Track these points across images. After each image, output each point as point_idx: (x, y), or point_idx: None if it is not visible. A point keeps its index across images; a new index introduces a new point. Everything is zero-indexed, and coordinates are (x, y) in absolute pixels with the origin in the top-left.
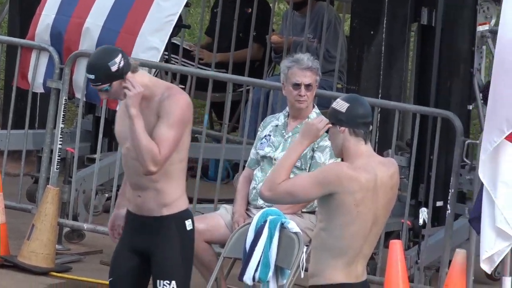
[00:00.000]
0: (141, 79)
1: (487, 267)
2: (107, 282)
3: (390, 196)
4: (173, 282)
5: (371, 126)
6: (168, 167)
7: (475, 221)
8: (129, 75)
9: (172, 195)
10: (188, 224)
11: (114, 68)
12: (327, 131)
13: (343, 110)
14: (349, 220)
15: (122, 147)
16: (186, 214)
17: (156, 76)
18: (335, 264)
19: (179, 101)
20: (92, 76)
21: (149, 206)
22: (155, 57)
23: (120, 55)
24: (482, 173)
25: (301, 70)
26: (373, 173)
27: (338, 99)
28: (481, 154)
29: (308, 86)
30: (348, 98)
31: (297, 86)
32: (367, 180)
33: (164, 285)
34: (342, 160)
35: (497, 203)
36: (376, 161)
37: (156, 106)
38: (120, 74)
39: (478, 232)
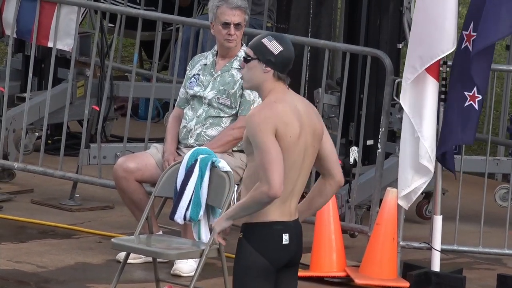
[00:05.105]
0: None
1: (404, 204)
2: (38, 221)
3: (315, 120)
4: None
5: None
6: None
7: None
8: None
9: None
10: None
11: None
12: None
13: (276, 53)
14: (288, 153)
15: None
16: None
17: (84, 15)
18: None
19: None
20: None
21: None
22: None
23: None
24: (406, 106)
25: (230, 9)
26: (290, 102)
27: (270, 37)
28: (401, 93)
29: (237, 25)
30: (281, 40)
31: (226, 25)
32: (286, 109)
33: None
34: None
35: (423, 141)
36: (292, 95)
37: None
38: None
39: (449, 167)
